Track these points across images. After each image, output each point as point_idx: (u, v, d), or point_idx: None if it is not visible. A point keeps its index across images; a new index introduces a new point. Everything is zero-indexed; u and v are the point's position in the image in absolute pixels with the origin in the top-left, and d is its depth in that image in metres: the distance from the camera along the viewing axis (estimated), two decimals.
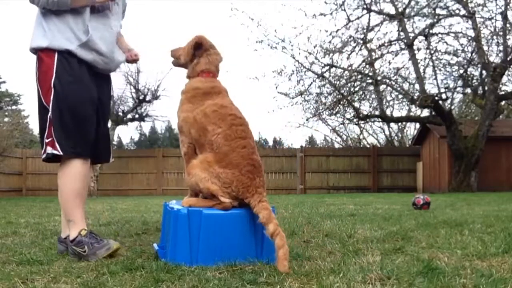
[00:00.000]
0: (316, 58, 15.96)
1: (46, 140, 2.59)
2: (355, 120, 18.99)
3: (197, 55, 2.68)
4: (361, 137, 26.12)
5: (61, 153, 2.57)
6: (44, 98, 2.61)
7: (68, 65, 2.60)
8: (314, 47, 15.84)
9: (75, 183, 2.65)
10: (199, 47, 2.67)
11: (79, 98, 2.62)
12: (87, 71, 2.66)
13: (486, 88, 14.96)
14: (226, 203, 2.40)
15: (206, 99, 2.57)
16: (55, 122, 2.57)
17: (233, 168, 2.38)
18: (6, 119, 20.65)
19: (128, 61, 2.99)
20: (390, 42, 15.77)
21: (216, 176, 2.39)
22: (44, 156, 2.62)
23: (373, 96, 17.31)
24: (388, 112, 18.93)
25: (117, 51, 2.82)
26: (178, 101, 2.69)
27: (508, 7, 14.16)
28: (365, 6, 15.14)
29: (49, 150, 2.58)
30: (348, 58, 16.09)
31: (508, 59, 14.20)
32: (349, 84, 16.66)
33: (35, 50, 2.65)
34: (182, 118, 2.61)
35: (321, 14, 15.07)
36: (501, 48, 14.65)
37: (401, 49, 15.81)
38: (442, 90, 16.24)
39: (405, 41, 15.24)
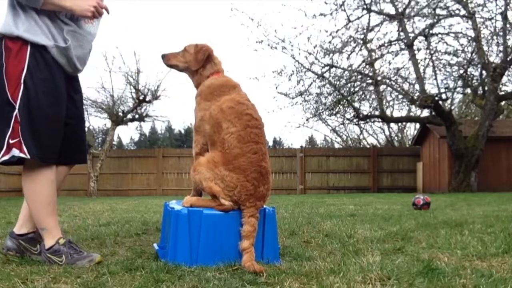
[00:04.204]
0: (316, 58, 15.98)
1: (11, 141, 2.35)
2: (355, 120, 19.00)
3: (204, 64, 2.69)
4: (361, 137, 26.15)
5: (29, 157, 2.35)
6: (11, 94, 2.36)
7: (42, 61, 2.40)
8: (314, 47, 15.87)
9: (46, 189, 2.45)
10: (209, 58, 2.69)
11: (52, 98, 2.42)
12: (58, 69, 2.47)
13: (486, 88, 14.95)
14: (227, 206, 2.40)
15: (223, 94, 2.56)
16: (23, 122, 2.35)
17: (239, 173, 2.38)
18: None
19: None
20: (390, 42, 15.77)
21: (221, 178, 2.38)
22: (6, 158, 2.35)
23: (373, 96, 17.33)
24: (388, 112, 18.96)
25: (86, 63, 2.69)
26: (194, 104, 2.67)
27: (508, 7, 14.16)
28: (365, 6, 15.14)
29: (16, 152, 2.34)
30: (348, 58, 16.11)
31: (508, 59, 14.20)
32: (349, 84, 16.66)
33: (2, 36, 2.40)
34: (200, 117, 2.59)
35: (321, 14, 15.08)
36: (501, 48, 14.65)
37: (401, 49, 15.82)
38: (442, 90, 16.27)
39: (405, 41, 15.24)
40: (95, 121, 43.64)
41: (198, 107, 2.62)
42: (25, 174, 2.46)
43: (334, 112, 18.05)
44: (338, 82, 16.48)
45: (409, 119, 20.04)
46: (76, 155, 2.72)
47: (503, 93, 15.18)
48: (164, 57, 2.78)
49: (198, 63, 2.66)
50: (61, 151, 2.55)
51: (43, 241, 2.51)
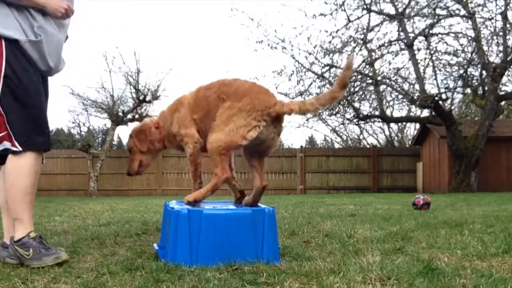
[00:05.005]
0: (316, 58, 15.98)
1: None
2: (355, 120, 19.00)
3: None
4: (361, 137, 26.13)
5: (21, 149, 2.37)
6: None
7: (19, 53, 2.40)
8: (314, 47, 15.87)
9: (28, 180, 2.42)
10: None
11: (36, 87, 2.44)
12: (33, 64, 2.48)
13: (486, 88, 14.95)
14: (226, 176, 2.47)
15: (182, 102, 2.78)
16: (10, 114, 2.36)
17: (247, 95, 2.47)
18: None
19: None
20: (390, 42, 15.76)
21: (239, 110, 2.44)
22: None
23: (373, 96, 17.33)
24: (388, 112, 18.96)
25: (61, 61, 2.67)
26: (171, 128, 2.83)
27: (508, 7, 14.17)
28: (365, 6, 15.14)
29: (7, 145, 2.36)
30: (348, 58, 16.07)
31: (508, 59, 14.20)
32: (349, 84, 16.64)
33: None
34: (178, 124, 2.75)
35: (321, 14, 15.08)
36: (501, 48, 14.65)
37: (401, 49, 15.82)
38: (442, 90, 16.27)
39: (405, 41, 15.24)
40: (95, 121, 43.61)
41: (174, 124, 2.78)
42: (13, 163, 2.42)
43: (334, 112, 18.05)
44: None
45: (409, 119, 20.03)
46: None
47: (503, 93, 15.18)
48: (129, 173, 2.96)
49: (144, 144, 2.85)
50: None
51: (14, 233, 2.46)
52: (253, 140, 2.44)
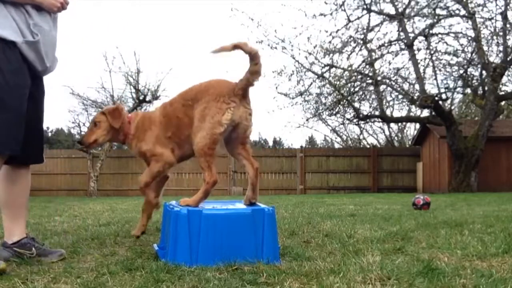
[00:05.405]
0: (316, 58, 15.96)
1: None
2: (355, 120, 18.99)
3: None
4: (361, 137, 26.12)
5: None
6: None
7: (11, 54, 2.37)
8: (314, 47, 15.84)
9: None
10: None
11: (21, 91, 2.39)
12: (26, 66, 2.44)
13: (486, 88, 14.95)
14: (214, 179, 2.53)
15: (152, 119, 2.89)
16: None
17: (210, 88, 2.61)
18: None
19: None
20: (390, 42, 15.75)
21: (208, 102, 2.56)
22: None
23: (373, 96, 17.32)
24: (388, 112, 18.95)
25: (55, 59, 2.65)
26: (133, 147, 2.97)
27: (508, 7, 14.16)
28: (365, 7, 15.14)
29: None
30: (348, 58, 16.08)
31: (508, 59, 14.20)
32: (349, 85, 16.64)
33: None
34: (151, 142, 2.83)
35: (321, 15, 15.07)
36: (501, 48, 14.65)
37: (401, 49, 15.80)
38: (442, 90, 16.26)
39: (405, 41, 15.23)
40: None
41: (143, 142, 2.87)
42: None
43: (334, 112, 18.05)
44: (338, 82, 16.46)
45: (409, 119, 20.03)
46: (34, 155, 2.65)
47: (503, 93, 15.18)
48: (81, 141, 2.98)
49: (118, 120, 2.91)
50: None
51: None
52: (229, 124, 2.55)
